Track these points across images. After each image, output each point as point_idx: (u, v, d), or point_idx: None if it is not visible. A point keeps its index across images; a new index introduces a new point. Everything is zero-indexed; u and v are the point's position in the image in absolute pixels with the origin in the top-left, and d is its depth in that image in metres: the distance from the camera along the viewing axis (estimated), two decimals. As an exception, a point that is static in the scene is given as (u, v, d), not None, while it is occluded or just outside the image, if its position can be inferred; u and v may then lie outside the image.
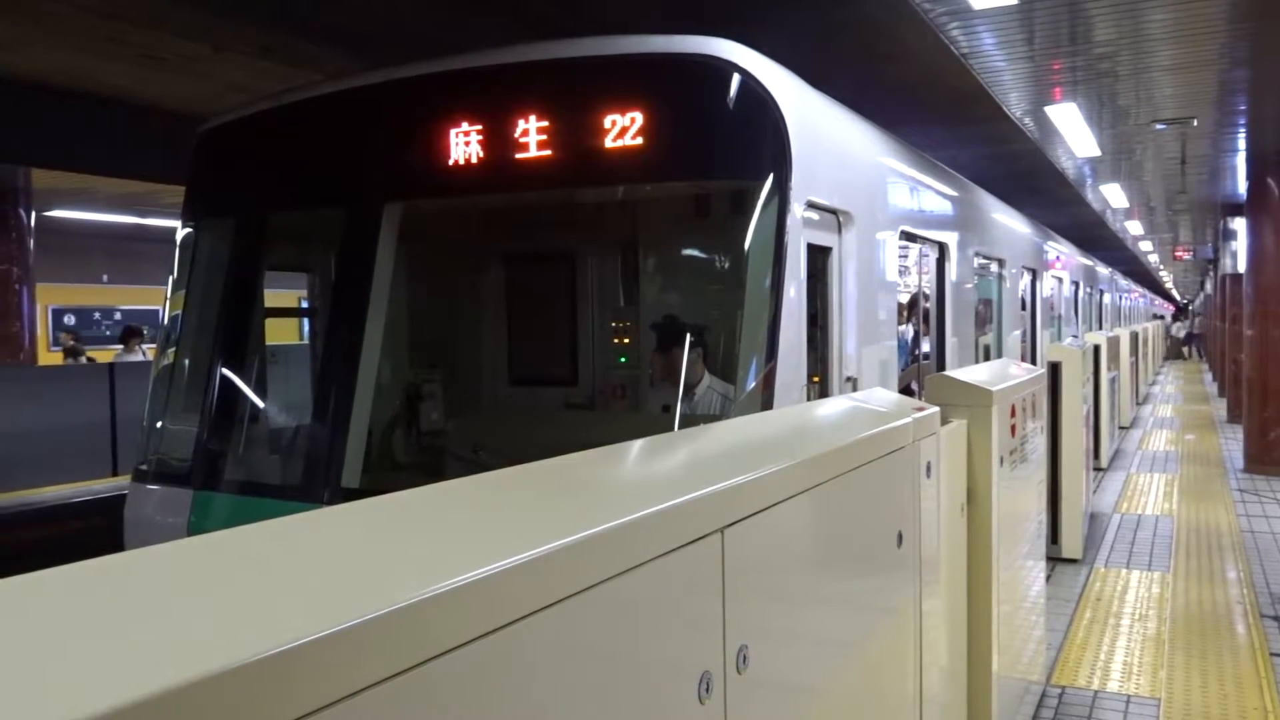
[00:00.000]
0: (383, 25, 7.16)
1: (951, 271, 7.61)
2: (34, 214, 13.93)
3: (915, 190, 6.80)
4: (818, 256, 4.92)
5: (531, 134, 4.59)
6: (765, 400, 4.13)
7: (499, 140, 4.68)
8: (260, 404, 5.71)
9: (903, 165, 6.58)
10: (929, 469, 2.82)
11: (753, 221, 4.32)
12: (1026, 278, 11.86)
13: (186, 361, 5.63)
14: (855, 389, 4.98)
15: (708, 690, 1.48)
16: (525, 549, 1.10)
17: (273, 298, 6.30)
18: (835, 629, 2.18)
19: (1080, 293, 18.20)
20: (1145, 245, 27.04)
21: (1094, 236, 23.14)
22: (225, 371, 5.41)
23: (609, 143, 4.40)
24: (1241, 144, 10.98)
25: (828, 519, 2.10)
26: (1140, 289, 42.99)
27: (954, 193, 8.17)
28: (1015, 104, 8.53)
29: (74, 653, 0.78)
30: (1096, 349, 9.80)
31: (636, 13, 6.62)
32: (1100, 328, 20.98)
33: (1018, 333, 11.07)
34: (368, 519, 1.31)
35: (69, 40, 7.53)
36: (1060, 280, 15.12)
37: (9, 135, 8.98)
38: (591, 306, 6.56)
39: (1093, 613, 6.28)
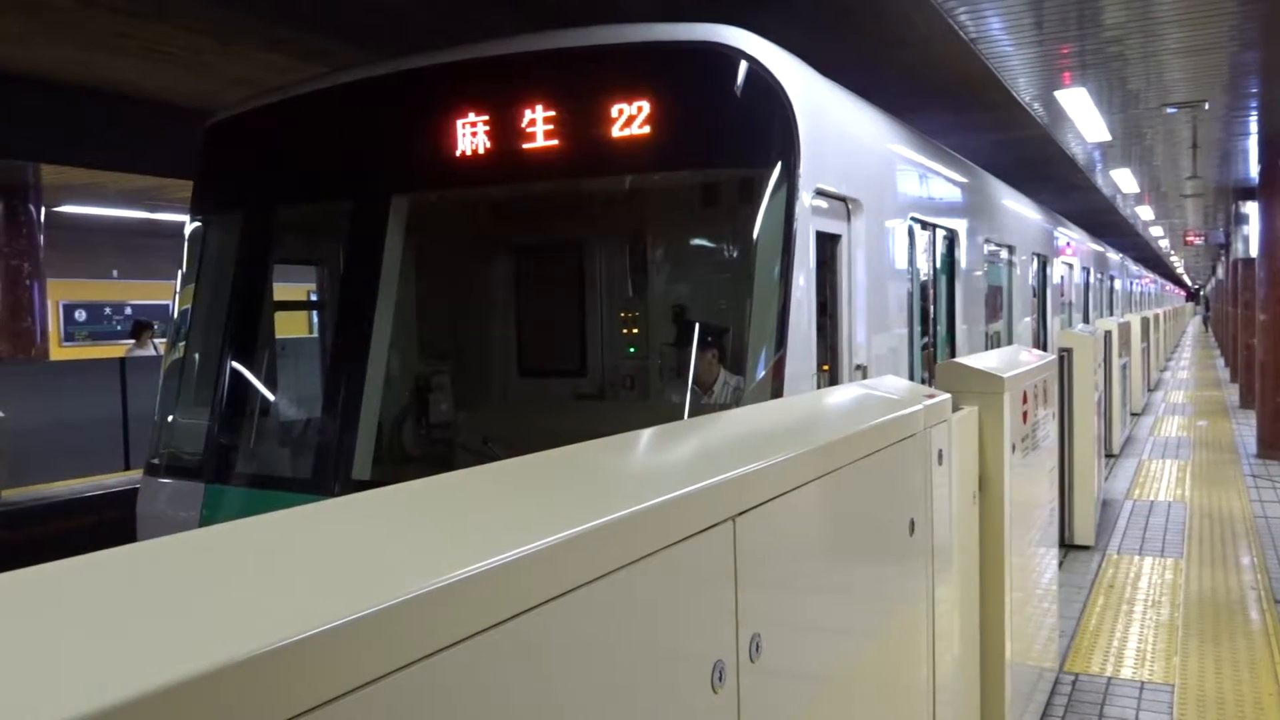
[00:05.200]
0: (389, 18, 7.15)
1: (961, 258, 7.57)
2: (44, 209, 13.97)
3: (924, 177, 6.77)
4: (827, 244, 4.90)
5: (539, 124, 4.58)
6: (775, 389, 4.12)
7: (506, 131, 4.67)
8: (270, 397, 5.72)
9: (912, 152, 6.54)
10: (940, 456, 2.81)
11: (761, 209, 4.30)
12: (1036, 264, 11.81)
13: (197, 355, 5.65)
14: (865, 376, 4.97)
15: (721, 679, 1.48)
16: (536, 539, 1.09)
17: (282, 291, 6.31)
18: (848, 617, 2.17)
19: (1091, 279, 18.12)
20: (1156, 230, 26.91)
21: (1104, 222, 23.03)
22: (235, 365, 5.42)
23: (617, 132, 4.39)
24: (1253, 127, 10.90)
25: (839, 507, 2.09)
26: (1151, 274, 42.79)
27: (963, 179, 8.13)
28: (1024, 89, 8.48)
29: (85, 645, 0.77)
30: (1108, 335, 9.76)
31: (645, 1, 6.59)
32: (1111, 314, 20.89)
33: (1028, 319, 11.03)
34: (377, 510, 1.31)
35: (76, 36, 7.53)
36: (1071, 266, 15.05)
37: (18, 131, 9.00)
38: (600, 297, 6.55)
39: (1105, 599, 6.27)
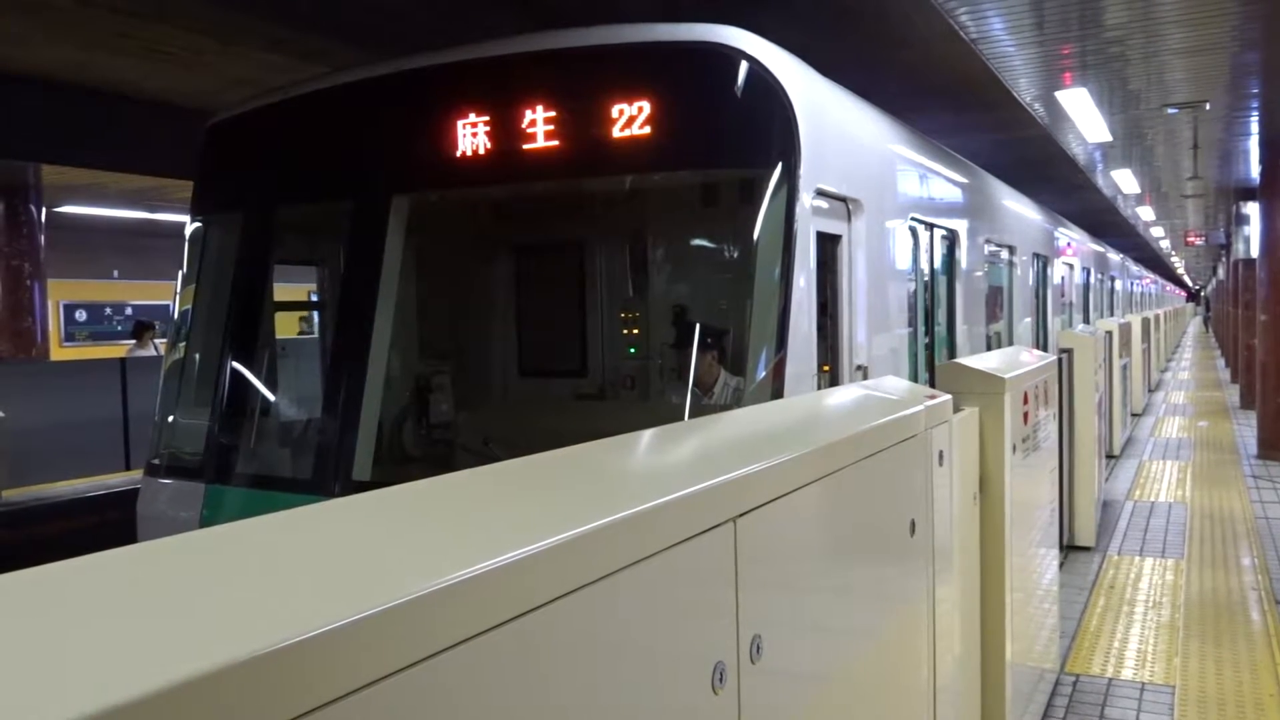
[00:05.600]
0: (390, 18, 7.15)
1: (962, 259, 7.57)
2: (44, 210, 13.97)
3: (925, 177, 6.76)
4: (827, 244, 4.89)
5: (539, 124, 4.58)
6: (776, 389, 4.12)
7: (506, 131, 4.67)
8: (271, 397, 5.72)
9: (912, 152, 6.54)
10: (941, 457, 2.80)
11: (762, 210, 4.30)
12: (1037, 264, 11.81)
13: (197, 356, 5.65)
14: (866, 377, 4.97)
15: (721, 680, 1.48)
16: (537, 540, 1.09)
17: (282, 291, 6.31)
18: (849, 618, 2.17)
19: (1091, 279, 18.11)
20: (1157, 231, 26.90)
21: (1105, 222, 23.02)
22: (236, 365, 5.42)
23: (617, 132, 4.38)
24: (1254, 128, 10.89)
25: (840, 508, 2.09)
26: (1152, 275, 42.79)
27: (964, 179, 8.13)
28: (1025, 89, 8.47)
29: (85, 647, 0.77)
30: (1108, 336, 9.75)
31: (645, 1, 6.59)
32: (1112, 315, 20.88)
33: (1029, 320, 11.02)
34: (378, 510, 1.31)
35: (77, 36, 7.53)
36: (1071, 266, 15.04)
37: (18, 132, 9.00)
38: (600, 297, 6.55)
39: (1106, 600, 6.26)
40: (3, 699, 0.67)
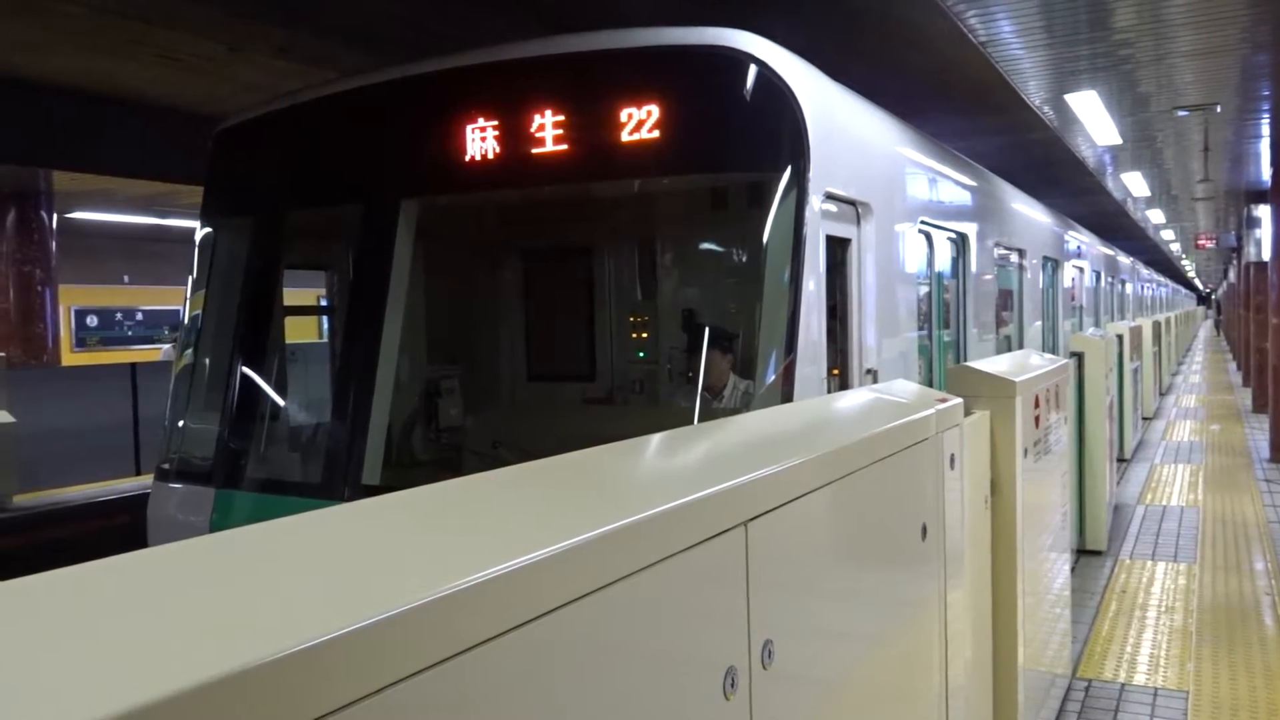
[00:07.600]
0: (398, 23, 7.17)
1: (972, 262, 7.55)
2: (55, 216, 14.04)
3: (934, 181, 6.75)
4: (836, 248, 4.88)
5: (548, 129, 4.58)
6: (785, 393, 4.11)
7: (515, 135, 4.67)
8: (280, 402, 5.73)
9: (921, 155, 6.52)
10: (952, 461, 2.79)
11: (771, 214, 4.29)
12: (1047, 268, 11.77)
13: (207, 361, 5.66)
14: (876, 381, 4.95)
15: (733, 685, 1.47)
16: (548, 544, 1.09)
17: (291, 296, 6.32)
18: (860, 622, 2.16)
19: (1102, 282, 18.05)
20: (1167, 234, 26.80)
21: (1115, 225, 22.95)
22: (246, 370, 5.43)
23: (626, 136, 4.38)
24: (1265, 130, 10.84)
25: (852, 512, 2.08)
26: (1162, 278, 42.63)
27: (973, 183, 8.11)
28: (1034, 92, 8.45)
29: (97, 652, 0.77)
30: (1119, 339, 9.72)
31: (652, 5, 6.59)
32: (1122, 318, 20.80)
33: (1039, 323, 10.99)
34: (389, 515, 1.31)
35: (87, 42, 7.57)
36: (1081, 270, 15.00)
37: (29, 137, 9.04)
38: (609, 301, 6.55)
39: (1118, 605, 6.23)
40: (16, 704, 0.67)
